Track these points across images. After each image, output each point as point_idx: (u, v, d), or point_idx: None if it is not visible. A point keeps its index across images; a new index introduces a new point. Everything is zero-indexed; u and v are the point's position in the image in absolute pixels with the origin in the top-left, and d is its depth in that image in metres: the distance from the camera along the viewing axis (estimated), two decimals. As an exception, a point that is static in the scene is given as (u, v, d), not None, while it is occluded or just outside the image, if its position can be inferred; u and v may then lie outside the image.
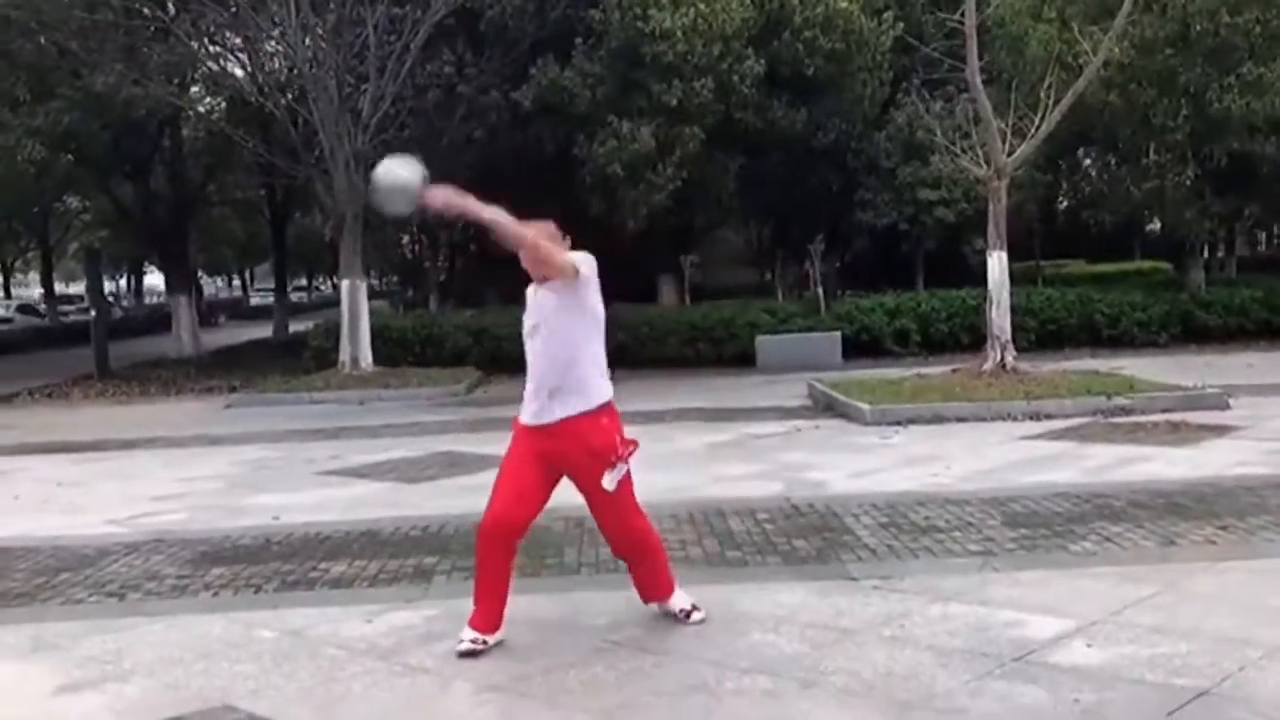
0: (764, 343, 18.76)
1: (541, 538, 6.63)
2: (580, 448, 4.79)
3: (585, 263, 4.79)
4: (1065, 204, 29.68)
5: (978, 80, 13.28)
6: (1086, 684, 4.21)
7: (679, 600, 5.12)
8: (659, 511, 7.47)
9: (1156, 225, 25.57)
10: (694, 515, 7.44)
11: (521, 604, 5.42)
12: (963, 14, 12.97)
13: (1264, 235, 40.74)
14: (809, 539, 6.69)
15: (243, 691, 4.53)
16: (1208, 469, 8.32)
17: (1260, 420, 10.50)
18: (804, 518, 7.25)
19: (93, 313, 22.86)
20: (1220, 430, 10.04)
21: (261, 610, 5.72)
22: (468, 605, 5.38)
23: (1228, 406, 11.28)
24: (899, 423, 11.19)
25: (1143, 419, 10.85)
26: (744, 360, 18.73)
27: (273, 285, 39.00)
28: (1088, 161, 25.11)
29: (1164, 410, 11.15)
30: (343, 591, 6.05)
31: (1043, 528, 6.67)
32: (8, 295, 48.21)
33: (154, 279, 60.34)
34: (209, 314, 44.61)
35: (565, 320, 4.79)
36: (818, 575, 5.91)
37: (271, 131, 21.76)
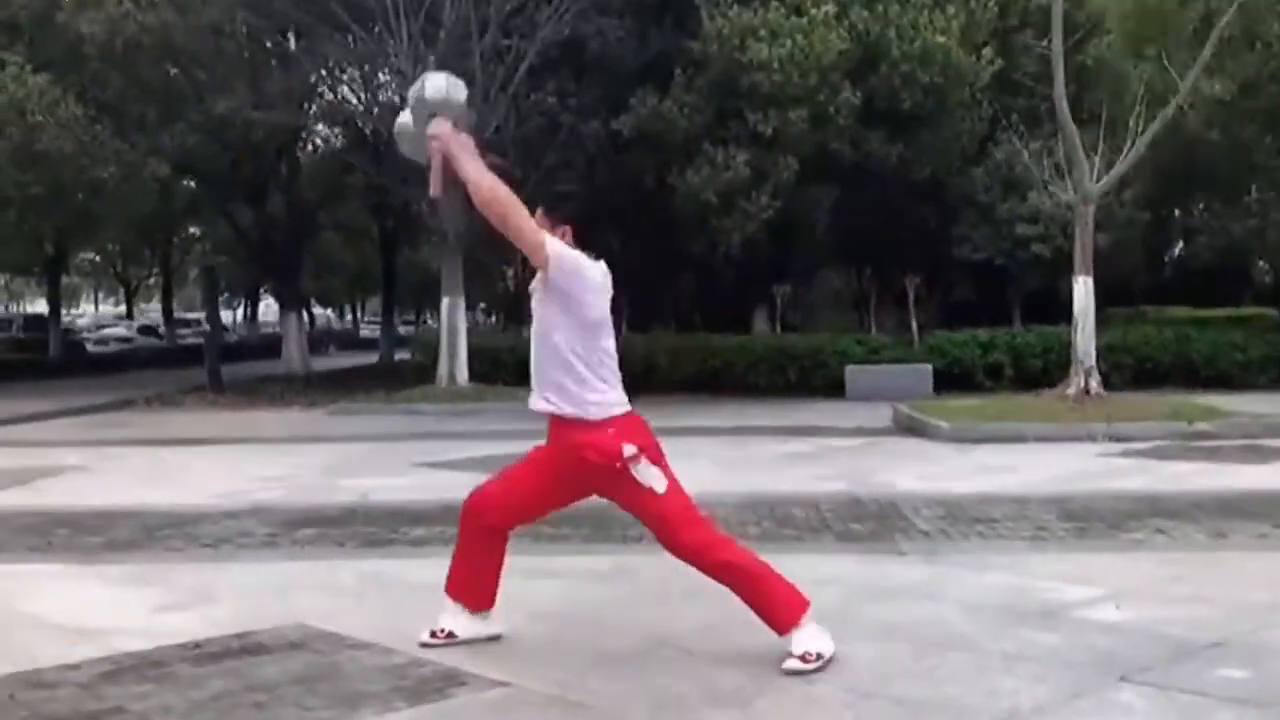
0: (853, 372, 18.87)
1: (608, 515, 6.95)
2: (574, 457, 4.41)
3: (568, 254, 4.34)
4: (1171, 253, 29.35)
5: (1064, 104, 13.41)
6: (1105, 634, 4.40)
7: (796, 642, 4.07)
8: (723, 502, 7.77)
9: (1266, 269, 25.18)
10: (757, 505, 7.70)
11: (582, 561, 5.76)
12: (1049, 41, 13.11)
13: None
14: (865, 524, 6.92)
15: (316, 615, 4.92)
16: (1275, 483, 8.34)
17: (1343, 447, 10.42)
18: (864, 508, 7.47)
19: (207, 326, 23.84)
20: (1299, 453, 10.00)
21: (342, 559, 6.14)
22: (533, 562, 5.75)
23: (1312, 434, 11.18)
24: (976, 440, 11.30)
25: (1222, 443, 10.83)
26: (834, 390, 18.87)
27: (380, 317, 40.14)
28: (1192, 203, 24.87)
29: (1244, 435, 11.10)
30: (418, 548, 6.45)
31: (1097, 521, 6.82)
32: (129, 316, 50.15)
33: (267, 310, 62.34)
34: (319, 342, 45.94)
35: (542, 312, 4.46)
36: (868, 550, 6.14)
37: (385, 159, 22.59)
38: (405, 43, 18.18)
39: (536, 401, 4.54)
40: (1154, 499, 7.55)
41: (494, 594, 4.51)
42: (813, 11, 17.83)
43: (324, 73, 21.63)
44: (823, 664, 3.98)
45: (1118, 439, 11.18)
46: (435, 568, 5.77)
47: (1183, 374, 18.89)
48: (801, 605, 4.11)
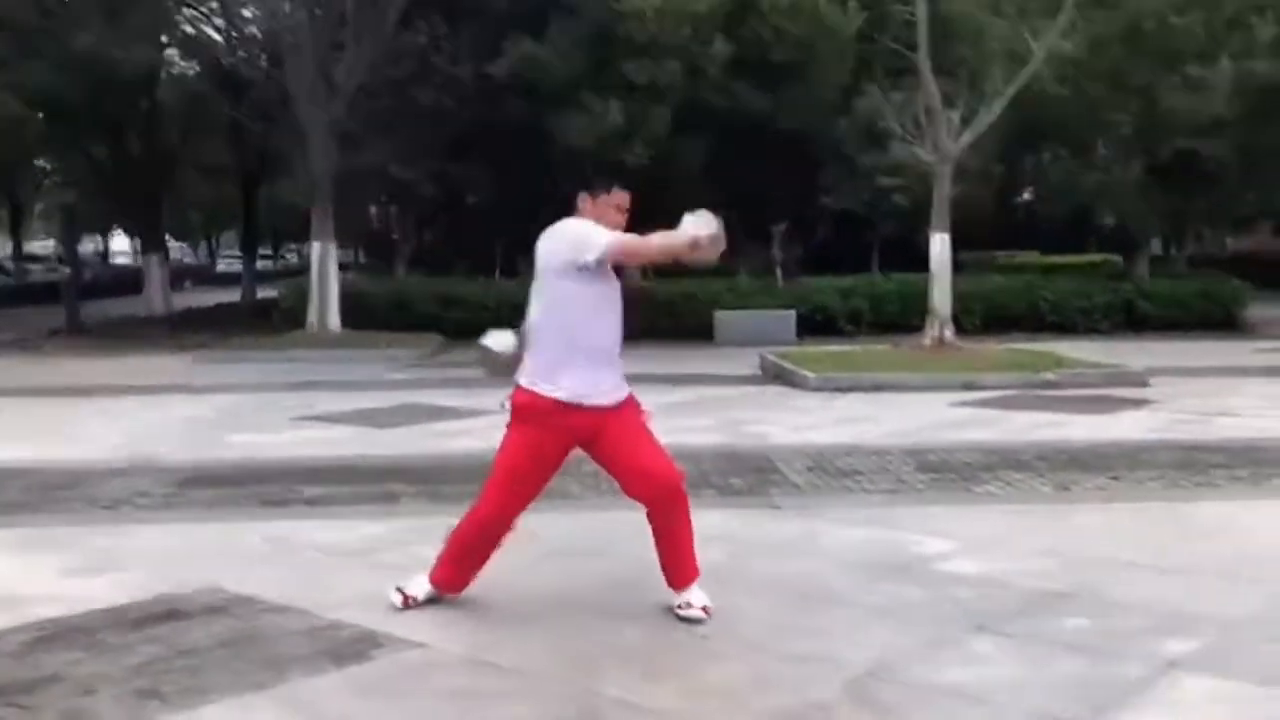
0: (722, 318, 19.41)
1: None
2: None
3: None
4: (1021, 198, 30.55)
5: (927, 69, 13.98)
6: (961, 585, 4.89)
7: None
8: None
9: (1111, 220, 26.44)
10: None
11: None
12: (913, 6, 13.62)
13: (1214, 234, 41.71)
14: (743, 478, 7.37)
15: (230, 579, 5.13)
16: (1114, 433, 9.07)
17: (1175, 397, 11.26)
18: (741, 461, 7.92)
19: (67, 270, 23.24)
20: (1135, 404, 10.81)
21: (244, 521, 6.32)
22: (433, 521, 6.01)
23: (1147, 384, 12.04)
24: (840, 389, 11.88)
25: (1067, 393, 11.61)
26: (702, 335, 19.36)
27: (239, 253, 39.33)
28: (1043, 155, 25.92)
29: (1087, 385, 11.91)
30: (319, 509, 6.67)
31: (951, 473, 7.39)
32: (-28, 253, 48.15)
33: (120, 243, 60.41)
34: (176, 278, 44.75)
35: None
36: (747, 505, 6.58)
37: (247, 97, 22.18)
38: (273, -22, 17.87)
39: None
40: (1003, 451, 8.17)
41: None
42: (687, -38, 18.09)
43: (185, 8, 21.06)
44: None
45: (970, 389, 11.88)
46: (338, 530, 6.06)
47: (1031, 320, 19.90)
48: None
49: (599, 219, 4.57)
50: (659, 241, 4.44)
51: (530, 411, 4.50)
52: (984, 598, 4.73)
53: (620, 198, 4.67)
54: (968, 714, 3.60)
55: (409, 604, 4.66)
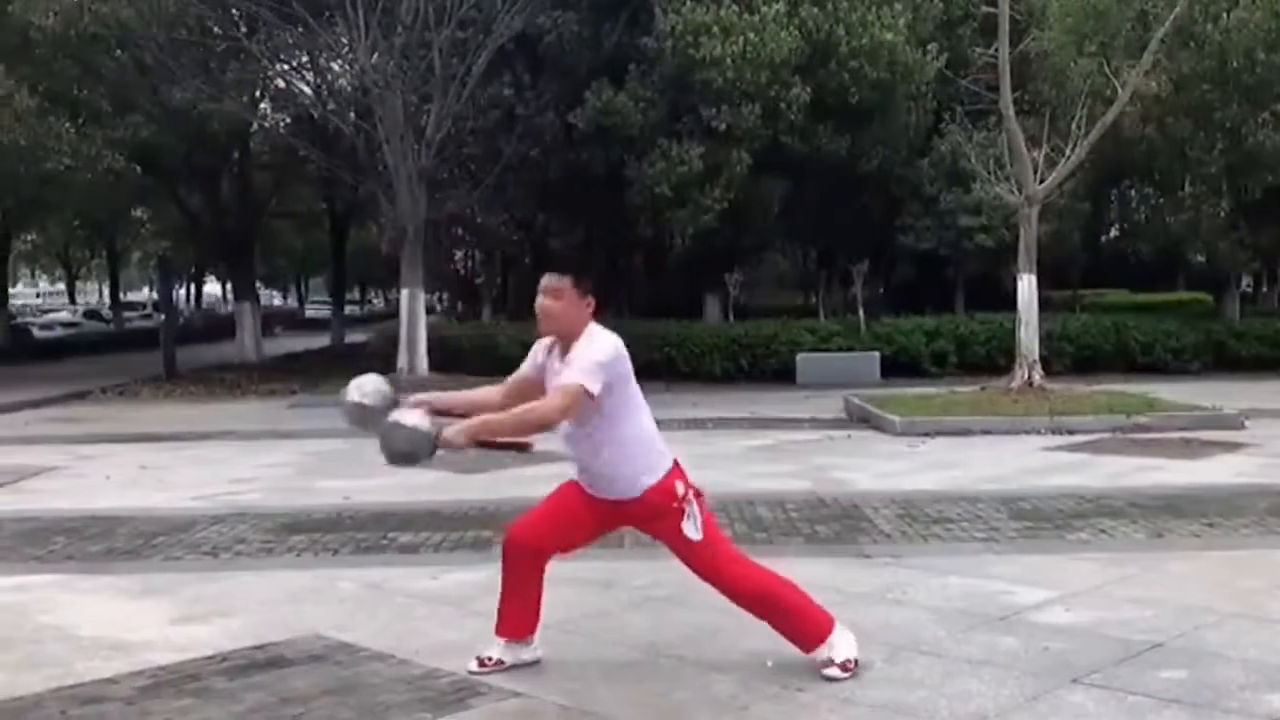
0: (804, 360, 19.38)
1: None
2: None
3: (603, 368, 4.37)
4: (1109, 236, 30.12)
5: (1010, 111, 13.94)
6: (1058, 636, 4.86)
7: (823, 650, 4.45)
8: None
9: (1200, 258, 26.00)
10: (727, 505, 8.11)
11: (570, 569, 6.15)
12: (997, 48, 13.61)
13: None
14: (830, 525, 7.36)
15: (329, 625, 5.27)
16: (1209, 478, 8.92)
17: (1270, 440, 11.04)
18: (827, 508, 7.91)
19: (163, 317, 23.92)
20: (1230, 447, 10.61)
21: (340, 568, 6.48)
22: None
23: (1243, 427, 11.82)
24: (926, 434, 11.81)
25: (1159, 436, 11.42)
26: (784, 377, 19.35)
27: (327, 298, 40.11)
28: (1130, 193, 25.59)
29: (1181, 428, 11.71)
30: (410, 555, 6.80)
31: (1045, 521, 7.32)
32: (73, 301, 49.68)
33: (211, 288, 61.94)
34: (265, 324, 45.80)
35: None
36: (835, 553, 6.58)
37: (336, 147, 22.71)
38: (363, 33, 18.31)
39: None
40: (1097, 497, 8.07)
41: (536, 622, 4.65)
42: (764, 9, 18.22)
43: (277, 63, 21.70)
44: (856, 670, 4.39)
45: (1060, 432, 11.74)
46: (430, 576, 6.17)
47: (1121, 360, 19.60)
48: (829, 624, 4.48)
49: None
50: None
51: None
52: (1079, 649, 4.69)
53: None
54: (1065, 769, 3.59)
55: (487, 665, 4.59)
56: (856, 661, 4.42)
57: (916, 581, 5.84)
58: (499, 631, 4.61)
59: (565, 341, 4.41)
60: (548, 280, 4.42)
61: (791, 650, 4.60)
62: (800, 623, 4.47)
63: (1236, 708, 4.03)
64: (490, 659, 4.59)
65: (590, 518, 4.63)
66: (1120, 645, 4.73)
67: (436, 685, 4.45)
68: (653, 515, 4.50)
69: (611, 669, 4.62)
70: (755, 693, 4.30)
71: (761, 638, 4.89)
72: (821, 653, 4.43)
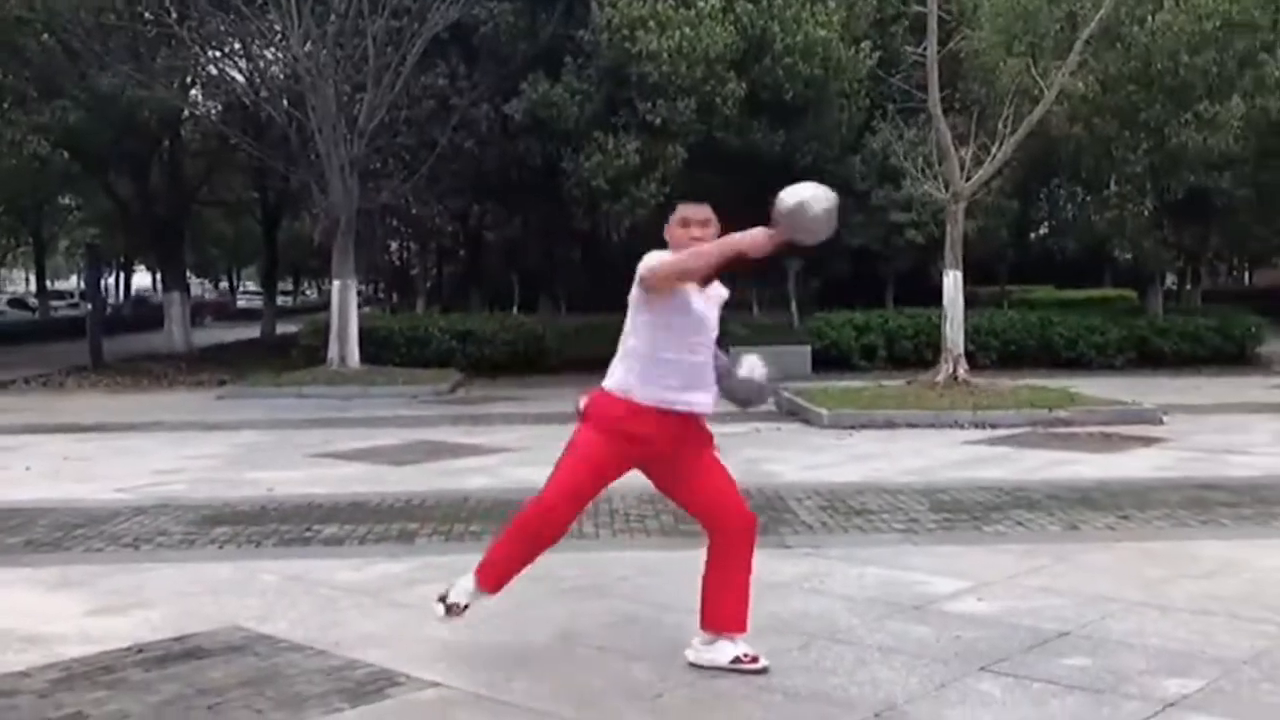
0: (737, 354, 19.48)
1: (515, 511, 7.38)
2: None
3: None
4: (1037, 233, 30.62)
5: (938, 109, 14.14)
6: (969, 625, 4.97)
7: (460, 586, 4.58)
8: (624, 493, 8.25)
9: (1125, 256, 26.52)
10: (654, 497, 8.15)
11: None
12: (924, 47, 13.79)
13: (1230, 269, 41.75)
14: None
15: (250, 617, 5.25)
16: (1125, 472, 9.13)
17: (1188, 435, 11.31)
18: (752, 500, 7.97)
19: (89, 306, 23.54)
20: (1148, 441, 10.86)
21: (263, 560, 6.44)
22: (447, 561, 6.18)
23: (1161, 422, 12.09)
24: (853, 427, 11.97)
25: (1079, 430, 11.67)
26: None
27: (258, 288, 39.72)
28: (1058, 191, 26.03)
29: (1100, 423, 11.97)
30: (335, 548, 6.79)
31: (963, 513, 7.46)
32: (-2, 289, 48.71)
33: (142, 278, 61.01)
34: (195, 313, 45.20)
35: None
36: (759, 544, 6.63)
37: (268, 136, 22.48)
38: (295, 21, 18.15)
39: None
40: (1015, 490, 8.24)
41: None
42: (700, 4, 18.32)
43: (209, 50, 21.42)
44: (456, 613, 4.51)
45: (982, 426, 11.95)
46: (354, 568, 6.16)
47: (1045, 356, 19.96)
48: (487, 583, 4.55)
49: (676, 246, 4.55)
50: (711, 249, 4.38)
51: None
52: (989, 637, 4.81)
53: (682, 213, 4.62)
54: (968, 753, 3.68)
55: (454, 613, 4.56)
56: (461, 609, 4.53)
57: (835, 571, 5.94)
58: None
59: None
60: (698, 210, 4.65)
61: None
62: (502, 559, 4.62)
63: (1136, 693, 4.15)
64: (746, 655, 4.45)
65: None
66: (1029, 634, 4.86)
67: (354, 676, 4.46)
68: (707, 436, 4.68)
69: (529, 658, 4.65)
70: (672, 680, 4.36)
71: (682, 627, 4.97)
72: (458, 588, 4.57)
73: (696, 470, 4.61)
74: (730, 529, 4.56)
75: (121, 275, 57.93)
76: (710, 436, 4.67)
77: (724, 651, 4.44)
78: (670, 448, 4.53)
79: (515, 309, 24.99)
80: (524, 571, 6.01)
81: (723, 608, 4.49)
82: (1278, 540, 6.73)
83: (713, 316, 4.65)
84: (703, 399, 4.55)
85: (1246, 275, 43.29)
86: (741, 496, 4.67)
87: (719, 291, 4.74)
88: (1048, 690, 4.19)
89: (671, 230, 4.59)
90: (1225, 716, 3.93)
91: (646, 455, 4.55)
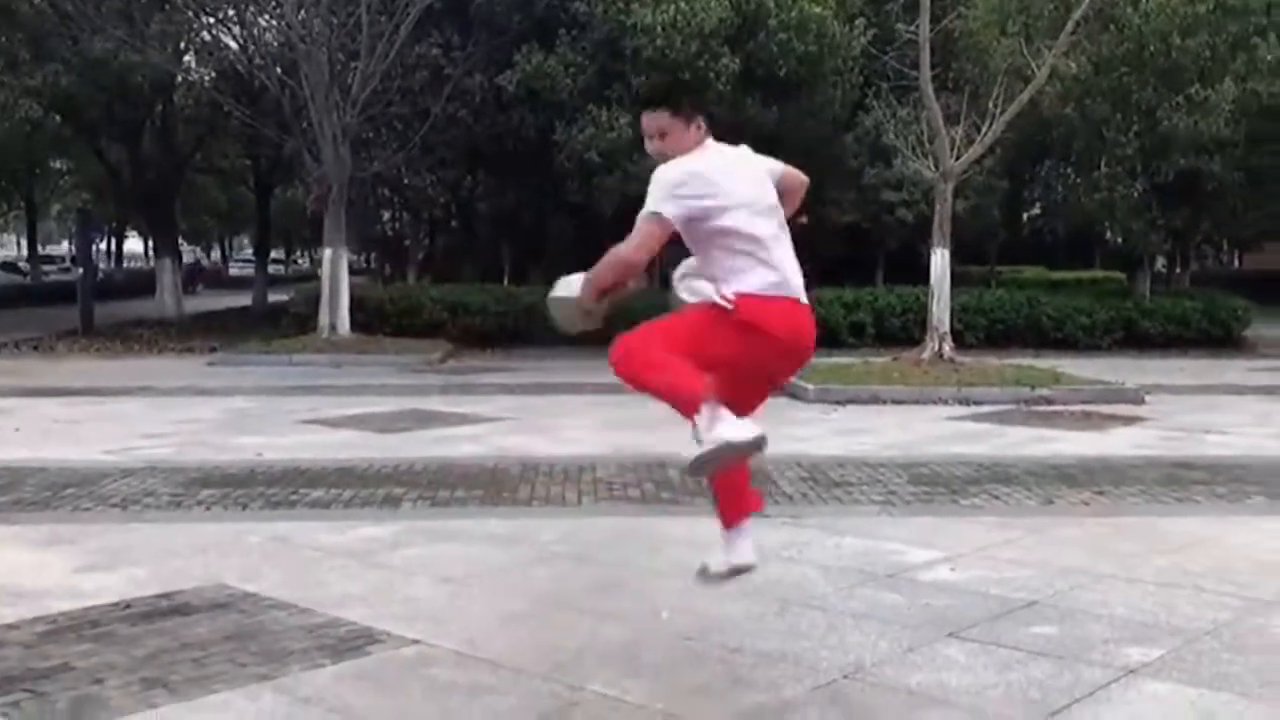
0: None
1: (500, 478, 7.49)
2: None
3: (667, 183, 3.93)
4: (1030, 214, 30.72)
5: (929, 88, 14.20)
6: (940, 594, 5.08)
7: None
8: (605, 463, 8.39)
9: (1115, 238, 26.61)
10: (638, 467, 8.28)
11: (479, 525, 6.30)
12: (918, 25, 13.84)
13: (1219, 252, 41.87)
14: (736, 487, 7.54)
15: (235, 576, 5.34)
16: (1103, 450, 9.24)
17: (1168, 415, 11.43)
18: (735, 471, 8.10)
19: (80, 271, 23.55)
20: (1129, 420, 10.98)
21: (249, 521, 6.54)
22: (431, 525, 6.29)
23: (1143, 401, 12.22)
24: (839, 402, 12.08)
25: (1062, 408, 11.79)
26: (707, 345, 19.54)
27: (252, 256, 39.64)
28: (1050, 172, 26.09)
29: (1083, 402, 12.09)
30: (320, 511, 6.88)
31: (941, 486, 7.57)
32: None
33: (133, 244, 60.84)
34: (188, 281, 45.16)
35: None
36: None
37: (261, 103, 22.44)
38: (289, -12, 18.12)
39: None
40: (994, 464, 8.36)
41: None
42: (695, -22, 18.30)
43: (203, 16, 21.37)
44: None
45: (966, 403, 12.06)
46: (339, 531, 6.25)
47: (1033, 336, 20.06)
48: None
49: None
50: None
51: None
52: (959, 605, 4.91)
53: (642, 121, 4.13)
54: (930, 714, 3.78)
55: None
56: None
57: (812, 541, 6.04)
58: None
59: None
60: (644, 120, 4.10)
61: (686, 604, 4.79)
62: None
63: (1099, 660, 4.26)
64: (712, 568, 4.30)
65: None
66: (998, 602, 4.97)
67: (336, 633, 4.55)
68: None
69: (509, 620, 4.75)
70: (646, 643, 4.46)
71: (659, 591, 5.07)
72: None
73: None
74: None
75: (113, 241, 57.78)
76: None
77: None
78: None
79: (506, 281, 24.99)
80: (509, 535, 6.16)
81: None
82: (1248, 518, 6.84)
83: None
84: None
85: (1236, 259, 43.40)
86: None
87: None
88: (1013, 656, 4.30)
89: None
90: (1183, 683, 4.04)
91: None
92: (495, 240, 28.21)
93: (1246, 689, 3.97)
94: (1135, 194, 19.92)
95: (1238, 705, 3.84)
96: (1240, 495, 7.46)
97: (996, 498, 7.27)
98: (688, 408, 3.78)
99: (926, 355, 13.90)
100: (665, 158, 4.03)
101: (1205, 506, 7.13)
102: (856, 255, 24.73)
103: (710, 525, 6.16)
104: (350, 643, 4.44)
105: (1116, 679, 4.07)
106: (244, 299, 34.06)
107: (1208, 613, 4.84)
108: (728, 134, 16.02)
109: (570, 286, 4.20)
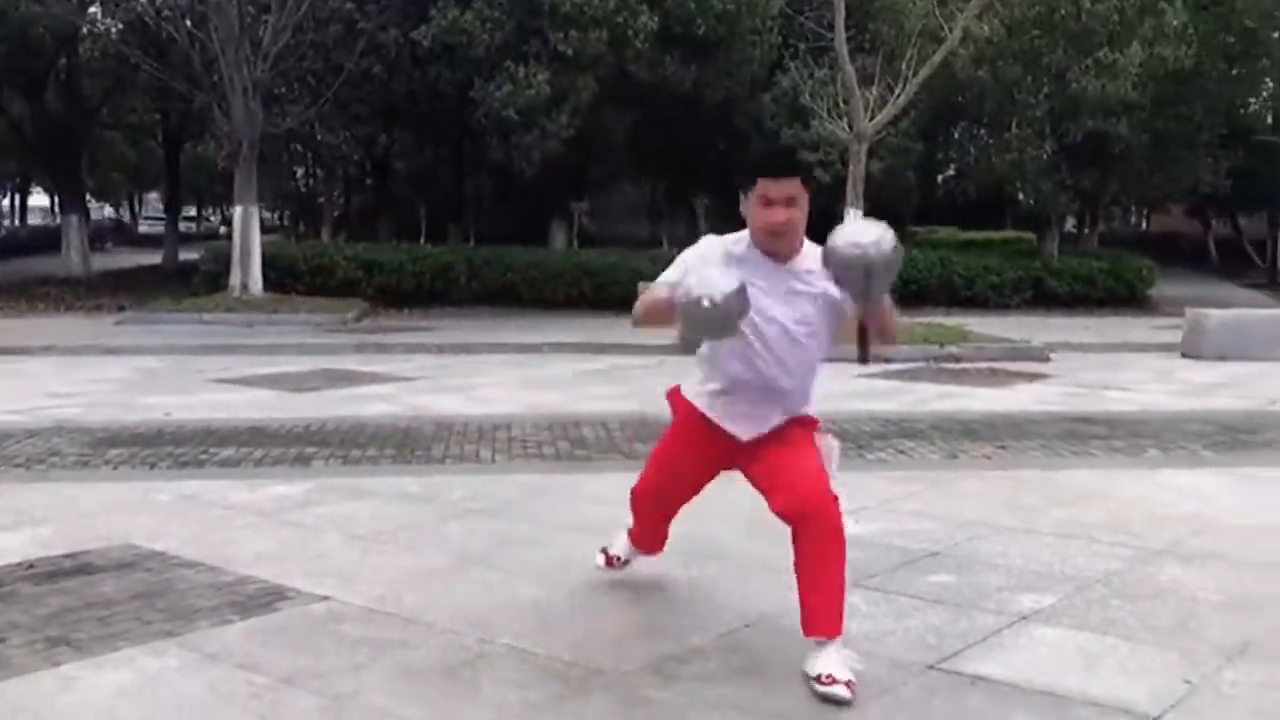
0: (644, 288, 19.64)
1: (414, 436, 7.49)
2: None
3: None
4: (945, 174, 31.14)
5: (844, 49, 14.31)
6: (847, 545, 5.19)
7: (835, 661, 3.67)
8: (520, 421, 8.42)
9: (1025, 198, 27.09)
10: (553, 425, 8.33)
11: (391, 483, 6.31)
12: (832, -12, 13.93)
13: (1126, 214, 42.79)
14: (649, 444, 7.60)
15: (142, 535, 5.29)
16: (1007, 405, 9.50)
17: (1072, 371, 11.75)
18: (649, 428, 8.18)
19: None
20: (1033, 377, 11.27)
21: (157, 481, 6.47)
22: (343, 483, 6.29)
23: (1047, 359, 12.54)
24: (753, 360, 12.20)
25: (969, 365, 12.05)
26: (627, 305, 19.56)
27: (162, 214, 38.85)
28: (963, 134, 26.48)
29: (990, 359, 12.37)
30: (231, 469, 6.84)
31: (849, 441, 7.70)
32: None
33: (38, 200, 59.19)
34: (96, 238, 44.14)
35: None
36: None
37: (170, 56, 21.90)
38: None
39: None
40: (901, 420, 8.54)
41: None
42: (613, -65, 18.22)
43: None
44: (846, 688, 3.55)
45: (878, 360, 12.24)
46: (249, 490, 6.22)
47: (945, 295, 20.41)
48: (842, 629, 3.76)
49: (752, 229, 3.78)
50: (651, 302, 3.90)
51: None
52: (861, 556, 5.02)
53: (762, 189, 3.64)
54: (830, 660, 3.89)
55: (613, 564, 4.62)
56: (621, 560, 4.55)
57: (720, 495, 6.11)
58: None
59: (787, 256, 3.74)
60: (782, 187, 3.64)
61: (595, 557, 4.86)
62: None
63: (993, 608, 4.40)
64: (616, 557, 4.62)
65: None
66: (899, 553, 5.10)
67: (245, 591, 4.55)
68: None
69: (421, 576, 4.77)
70: (555, 596, 4.52)
71: (570, 545, 5.14)
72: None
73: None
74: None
75: (17, 197, 56.16)
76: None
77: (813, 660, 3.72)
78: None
79: (423, 239, 24.79)
80: (422, 492, 6.18)
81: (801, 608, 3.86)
82: (1144, 471, 7.07)
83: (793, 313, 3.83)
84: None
85: (1143, 221, 44.40)
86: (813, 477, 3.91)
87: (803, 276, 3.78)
88: (911, 604, 4.43)
89: (751, 208, 3.71)
90: (1071, 629, 4.20)
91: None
92: (412, 198, 27.97)
93: (1131, 633, 4.14)
94: (1045, 155, 20.30)
95: (1122, 649, 4.00)
96: (1137, 449, 7.71)
97: (902, 452, 7.43)
98: None
99: (842, 314, 14.07)
100: (794, 231, 3.72)
101: (1103, 460, 7.37)
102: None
103: (621, 481, 6.24)
104: (259, 600, 4.44)
105: (1009, 625, 4.21)
106: (154, 257, 33.38)
107: (1100, 562, 5.02)
108: (646, 93, 16.12)
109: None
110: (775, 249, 3.74)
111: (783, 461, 3.98)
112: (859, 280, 3.47)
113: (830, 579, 3.79)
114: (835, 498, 3.85)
